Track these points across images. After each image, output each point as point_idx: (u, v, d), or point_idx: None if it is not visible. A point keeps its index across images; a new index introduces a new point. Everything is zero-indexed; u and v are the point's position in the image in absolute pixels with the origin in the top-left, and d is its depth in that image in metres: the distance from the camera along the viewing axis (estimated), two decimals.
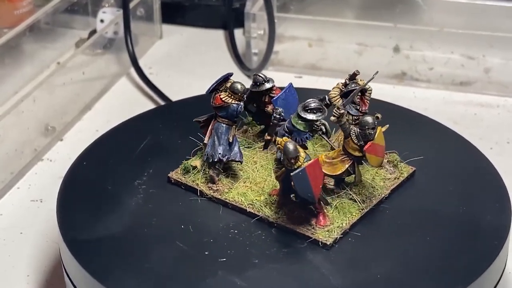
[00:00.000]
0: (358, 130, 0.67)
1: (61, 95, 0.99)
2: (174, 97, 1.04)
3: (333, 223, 0.67)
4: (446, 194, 0.72)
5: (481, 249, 0.66)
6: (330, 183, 0.70)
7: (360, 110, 0.73)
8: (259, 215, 0.68)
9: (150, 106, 1.05)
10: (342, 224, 0.67)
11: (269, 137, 0.74)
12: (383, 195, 0.71)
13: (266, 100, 0.76)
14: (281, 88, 0.76)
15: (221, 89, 0.71)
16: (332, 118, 0.68)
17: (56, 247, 0.81)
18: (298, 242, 0.66)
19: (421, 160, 0.76)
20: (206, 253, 0.65)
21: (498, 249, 0.65)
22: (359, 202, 0.69)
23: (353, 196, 0.69)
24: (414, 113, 0.85)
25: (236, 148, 0.71)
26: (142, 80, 1.10)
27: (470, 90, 1.06)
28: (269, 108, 0.75)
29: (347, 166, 0.68)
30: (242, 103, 0.71)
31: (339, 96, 0.73)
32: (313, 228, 0.67)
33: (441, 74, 1.08)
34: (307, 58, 1.13)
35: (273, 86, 0.76)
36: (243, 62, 1.14)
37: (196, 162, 0.73)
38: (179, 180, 0.73)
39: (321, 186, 0.65)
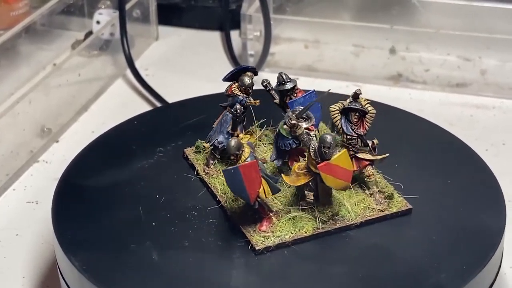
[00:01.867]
0: (317, 146, 0.65)
1: (57, 97, 0.99)
2: (170, 99, 1.04)
3: (275, 232, 0.66)
4: (441, 195, 0.72)
5: (476, 249, 0.66)
6: (310, 196, 0.69)
7: (355, 131, 0.70)
8: (223, 205, 0.69)
9: (146, 107, 1.05)
10: (284, 235, 0.66)
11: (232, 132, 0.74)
12: (352, 222, 0.68)
13: (287, 100, 0.75)
14: (305, 91, 0.75)
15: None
16: (284, 126, 0.68)
17: (51, 248, 0.81)
18: (237, 240, 0.66)
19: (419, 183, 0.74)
20: (153, 224, 0.68)
21: (493, 249, 0.66)
22: (318, 221, 0.67)
23: (316, 214, 0.67)
24: (409, 114, 0.85)
25: None
26: (138, 81, 1.10)
27: (466, 92, 1.06)
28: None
29: (307, 180, 0.66)
30: (247, 97, 0.72)
31: (338, 111, 0.70)
32: (254, 230, 0.66)
33: (437, 75, 1.08)
34: (303, 60, 1.13)
35: (294, 87, 0.74)
36: (239, 63, 1.14)
37: (207, 144, 0.75)
38: (188, 156, 0.76)
39: (258, 190, 0.64)
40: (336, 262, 0.65)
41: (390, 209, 0.69)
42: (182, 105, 0.88)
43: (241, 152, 0.64)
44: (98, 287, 0.63)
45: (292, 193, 0.70)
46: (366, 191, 0.71)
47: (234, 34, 1.17)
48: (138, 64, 1.12)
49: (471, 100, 1.05)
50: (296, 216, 0.67)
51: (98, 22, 1.13)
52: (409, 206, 0.70)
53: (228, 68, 1.14)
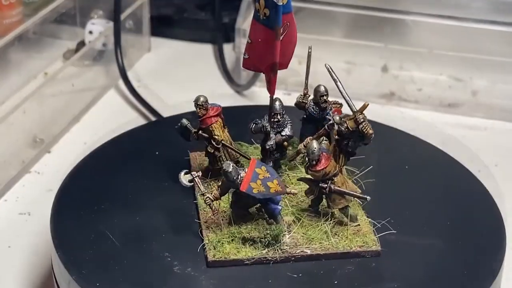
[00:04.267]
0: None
1: (50, 107, 0.98)
2: (162, 110, 1.04)
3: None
4: (435, 217, 0.73)
5: (477, 271, 0.66)
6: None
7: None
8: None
9: (138, 118, 1.05)
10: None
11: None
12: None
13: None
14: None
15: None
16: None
17: (45, 260, 0.80)
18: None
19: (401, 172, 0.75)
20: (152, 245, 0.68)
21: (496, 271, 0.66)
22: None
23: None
24: (402, 132, 0.86)
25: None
26: (130, 92, 1.09)
27: (458, 112, 1.07)
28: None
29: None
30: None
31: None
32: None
33: (430, 95, 1.09)
34: (296, 75, 1.13)
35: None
36: (232, 77, 1.14)
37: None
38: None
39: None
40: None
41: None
42: (177, 119, 0.88)
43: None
44: None
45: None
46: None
47: (226, 47, 1.17)
48: (130, 75, 1.11)
49: (463, 120, 1.06)
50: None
51: (90, 32, 1.12)
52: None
53: (221, 81, 1.14)
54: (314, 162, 0.66)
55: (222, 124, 0.74)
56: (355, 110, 0.68)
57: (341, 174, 0.68)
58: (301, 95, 0.77)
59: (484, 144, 1.01)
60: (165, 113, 1.02)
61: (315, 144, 0.66)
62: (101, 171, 0.77)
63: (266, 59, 0.70)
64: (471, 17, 1.08)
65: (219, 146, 0.73)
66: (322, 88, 0.75)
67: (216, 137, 0.73)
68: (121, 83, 1.11)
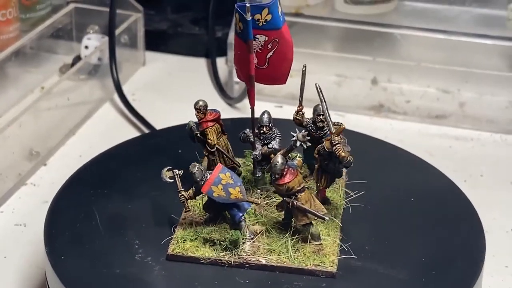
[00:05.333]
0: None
1: (46, 120, 1.00)
2: (156, 124, 1.06)
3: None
4: (418, 226, 0.74)
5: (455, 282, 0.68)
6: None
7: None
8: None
9: (133, 131, 1.07)
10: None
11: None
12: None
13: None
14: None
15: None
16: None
17: (39, 272, 0.82)
18: None
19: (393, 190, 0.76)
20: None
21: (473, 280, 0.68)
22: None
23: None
24: (389, 145, 0.88)
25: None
26: (125, 106, 1.11)
27: (445, 123, 1.09)
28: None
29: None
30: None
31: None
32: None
33: (418, 107, 1.11)
34: (287, 88, 1.15)
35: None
36: (225, 90, 1.16)
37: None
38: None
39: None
40: None
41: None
42: (169, 131, 0.90)
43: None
44: None
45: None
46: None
47: (220, 61, 1.20)
48: (125, 89, 1.13)
49: (450, 131, 1.08)
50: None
51: (86, 47, 1.14)
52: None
53: (214, 94, 1.16)
54: (277, 176, 0.67)
55: (219, 130, 0.76)
56: (332, 132, 0.70)
57: (308, 192, 0.68)
58: (296, 112, 0.78)
59: (471, 154, 1.03)
60: (159, 125, 1.04)
61: (279, 158, 0.67)
62: (95, 183, 0.79)
63: (244, 71, 0.72)
64: (458, 30, 1.11)
65: (213, 150, 0.76)
66: (319, 108, 0.76)
67: (209, 141, 0.75)
68: (116, 97, 1.13)
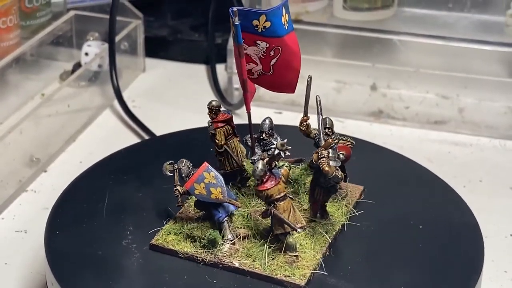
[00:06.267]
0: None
1: (46, 127, 1.01)
2: (156, 130, 1.06)
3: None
4: (416, 232, 0.74)
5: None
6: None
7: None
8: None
9: (133, 138, 1.07)
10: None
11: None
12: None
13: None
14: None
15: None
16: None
17: (40, 278, 0.82)
18: None
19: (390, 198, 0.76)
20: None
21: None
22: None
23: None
24: (389, 151, 0.88)
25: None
26: (125, 112, 1.12)
27: (444, 129, 1.10)
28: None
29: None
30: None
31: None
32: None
33: (417, 112, 1.11)
34: (287, 94, 1.15)
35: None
36: (225, 96, 1.16)
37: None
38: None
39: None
40: None
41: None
42: (169, 137, 0.91)
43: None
44: None
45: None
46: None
47: (220, 68, 1.20)
48: (125, 95, 1.14)
49: (449, 137, 1.08)
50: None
51: (86, 54, 1.15)
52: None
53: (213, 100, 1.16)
54: (258, 182, 0.68)
55: (229, 132, 0.77)
56: (320, 146, 0.70)
57: (289, 201, 0.68)
58: (300, 122, 0.78)
59: (470, 160, 1.04)
60: (159, 132, 1.04)
61: (259, 164, 0.67)
62: (95, 189, 0.80)
63: (240, 75, 0.73)
64: (457, 36, 1.11)
65: (221, 151, 0.76)
66: (327, 121, 0.76)
67: (216, 141, 0.76)
68: (116, 103, 1.13)
